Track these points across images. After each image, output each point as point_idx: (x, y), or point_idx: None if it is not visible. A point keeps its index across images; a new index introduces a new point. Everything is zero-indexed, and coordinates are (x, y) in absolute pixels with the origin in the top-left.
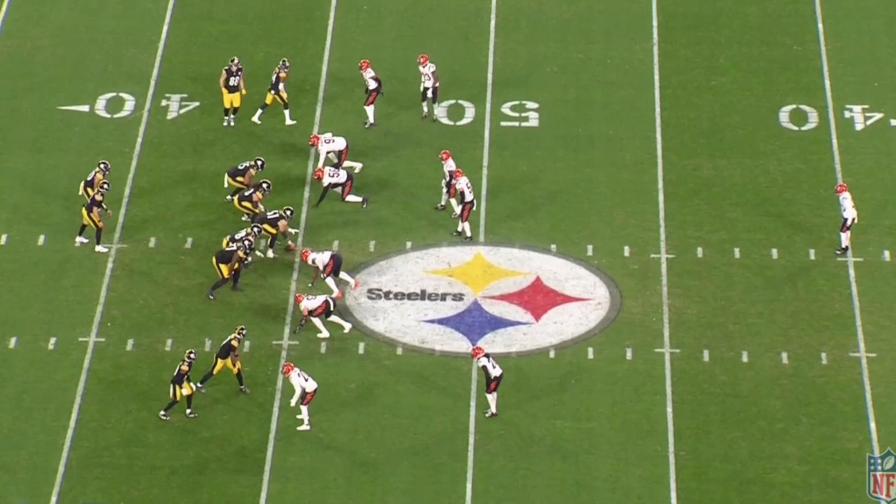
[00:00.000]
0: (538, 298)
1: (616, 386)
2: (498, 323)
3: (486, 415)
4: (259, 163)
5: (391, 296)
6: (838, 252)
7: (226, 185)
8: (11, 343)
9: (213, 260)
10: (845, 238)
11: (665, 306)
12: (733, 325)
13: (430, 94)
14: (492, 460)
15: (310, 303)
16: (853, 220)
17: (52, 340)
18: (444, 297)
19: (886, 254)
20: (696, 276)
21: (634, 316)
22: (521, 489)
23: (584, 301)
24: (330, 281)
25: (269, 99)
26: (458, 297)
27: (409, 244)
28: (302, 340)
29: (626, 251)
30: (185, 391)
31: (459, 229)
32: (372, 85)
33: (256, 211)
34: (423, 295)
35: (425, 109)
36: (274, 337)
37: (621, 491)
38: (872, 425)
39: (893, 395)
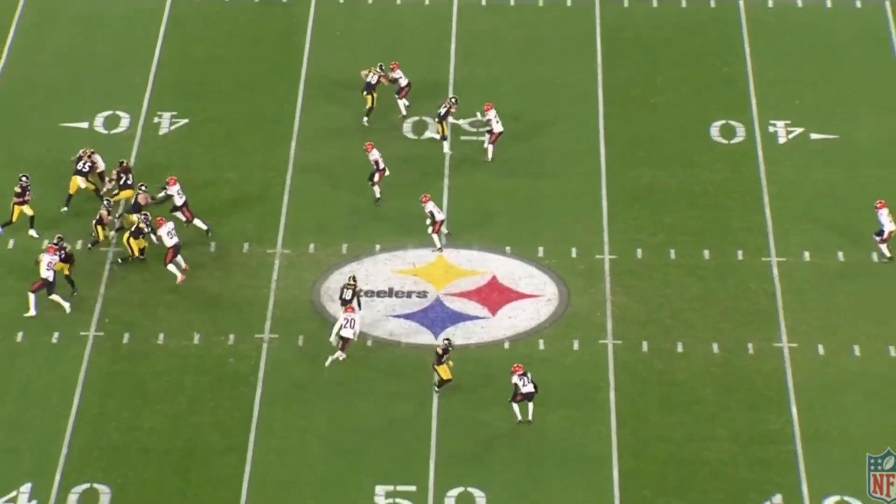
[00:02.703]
0: (494, 295)
1: (564, 374)
2: (458, 317)
3: (516, 421)
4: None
5: (362, 293)
6: (885, 260)
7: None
8: (18, 337)
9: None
10: (885, 248)
11: (608, 302)
12: (670, 319)
13: (404, 92)
14: (453, 441)
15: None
16: (890, 233)
17: (56, 335)
18: (409, 294)
19: (806, 254)
20: (636, 275)
21: (581, 311)
22: (478, 465)
23: (536, 297)
24: (171, 267)
25: (441, 129)
26: (423, 294)
27: (377, 247)
28: (281, 334)
29: (574, 252)
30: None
31: (438, 245)
32: (404, 82)
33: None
34: (390, 292)
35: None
36: (256, 331)
37: (569, 467)
38: (793, 409)
39: (812, 381)
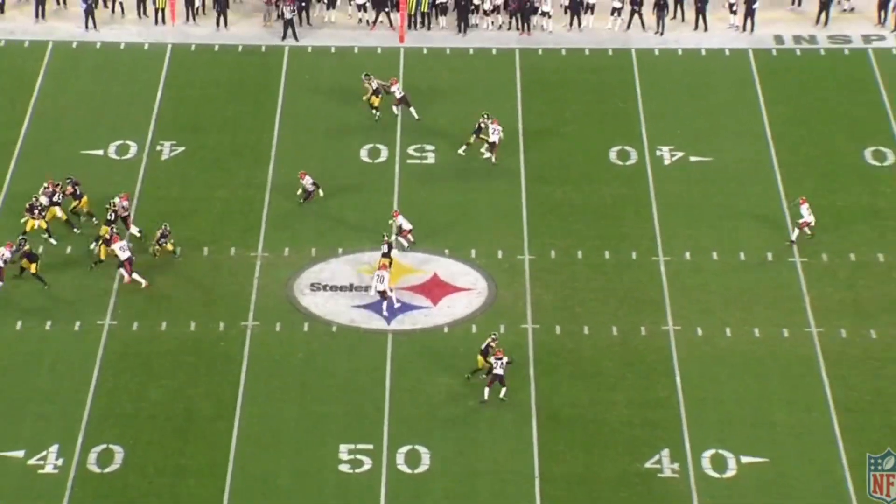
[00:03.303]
0: (435, 289)
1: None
2: (406, 308)
3: (480, 401)
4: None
5: (328, 288)
6: (787, 243)
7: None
8: (47, 325)
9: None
10: (795, 233)
11: (528, 294)
12: (578, 307)
13: (406, 99)
14: (403, 408)
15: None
16: (807, 222)
17: (77, 324)
18: (367, 288)
19: (687, 254)
20: (550, 271)
21: (506, 301)
22: (424, 427)
23: (469, 291)
24: (136, 276)
25: (472, 139)
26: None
27: (340, 250)
28: (262, 322)
29: (500, 254)
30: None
31: (406, 245)
32: (400, 94)
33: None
34: (351, 287)
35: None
36: (241, 319)
37: (497, 428)
38: (678, 379)
39: (692, 357)
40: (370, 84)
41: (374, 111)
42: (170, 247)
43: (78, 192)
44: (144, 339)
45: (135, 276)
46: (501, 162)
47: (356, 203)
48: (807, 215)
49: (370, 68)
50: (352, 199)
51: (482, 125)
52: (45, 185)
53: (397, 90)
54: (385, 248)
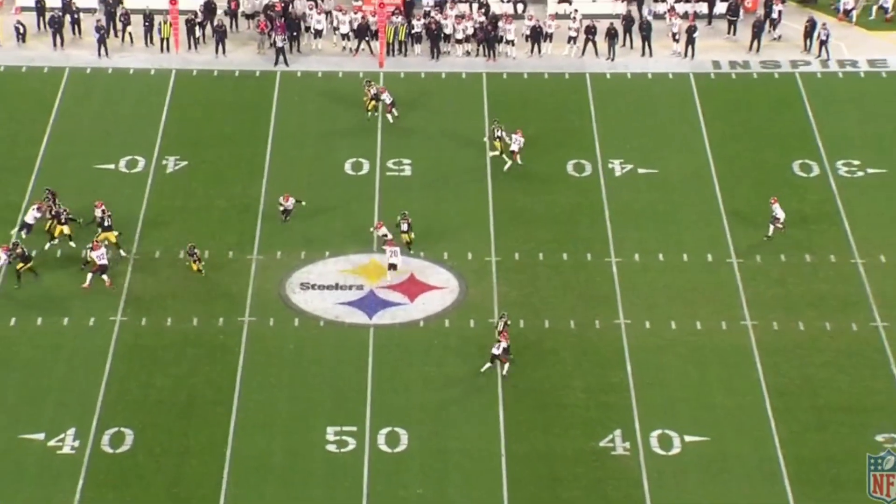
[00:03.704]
0: (412, 287)
1: (463, 344)
2: (386, 304)
3: (482, 369)
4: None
5: (316, 287)
6: (765, 238)
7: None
8: (65, 321)
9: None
10: (772, 230)
11: (495, 292)
12: (539, 303)
13: (390, 106)
14: (383, 394)
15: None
16: (778, 218)
17: (92, 319)
18: (350, 287)
19: (636, 256)
20: (514, 271)
21: (475, 298)
22: (402, 410)
23: (442, 289)
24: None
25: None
26: (360, 287)
27: (327, 253)
28: (257, 317)
29: (469, 256)
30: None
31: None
32: (389, 100)
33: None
34: (336, 286)
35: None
36: (238, 315)
37: (467, 410)
38: (629, 367)
39: (641, 347)
40: (370, 90)
41: (367, 112)
42: (195, 266)
43: (57, 206)
44: (151, 332)
45: (104, 276)
46: (469, 175)
47: (341, 211)
48: (779, 213)
49: (353, 91)
50: (337, 207)
51: (497, 134)
52: (36, 204)
53: (387, 96)
54: (405, 226)
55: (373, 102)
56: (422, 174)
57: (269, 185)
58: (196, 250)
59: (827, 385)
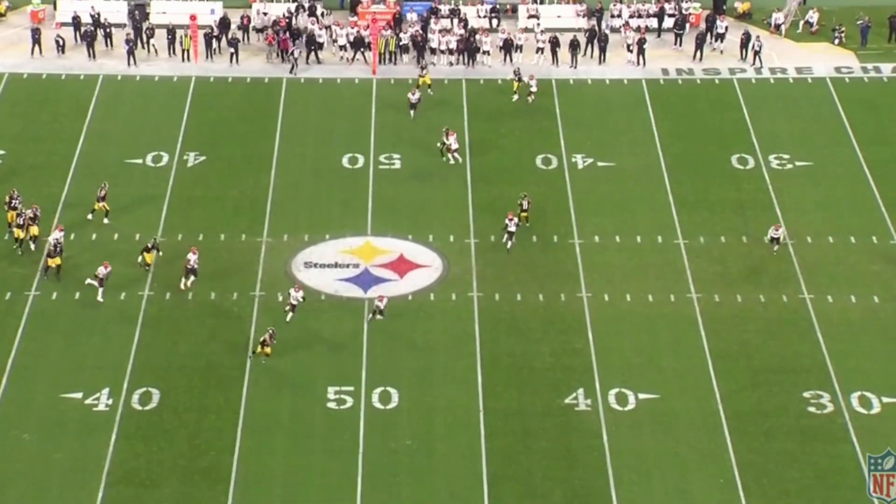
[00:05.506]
0: (402, 266)
1: (446, 316)
2: (379, 280)
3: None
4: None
5: (317, 265)
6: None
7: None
8: (99, 295)
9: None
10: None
11: (474, 269)
12: (512, 279)
13: (454, 150)
14: (377, 358)
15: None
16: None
17: (123, 294)
18: (347, 265)
19: (596, 238)
20: (490, 252)
21: (456, 275)
22: (393, 373)
23: (428, 267)
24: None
25: (441, 146)
26: (356, 265)
27: (327, 236)
28: (266, 292)
29: (451, 238)
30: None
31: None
32: (455, 146)
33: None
34: (335, 265)
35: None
36: (250, 290)
37: (448, 374)
38: (590, 334)
39: (601, 317)
40: (447, 138)
41: (442, 157)
42: (149, 258)
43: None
44: (175, 305)
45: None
46: (453, 167)
47: (339, 200)
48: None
49: (349, 96)
50: (336, 196)
51: (446, 136)
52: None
53: (453, 141)
54: (525, 205)
55: (447, 148)
56: (410, 167)
57: (276, 177)
58: (157, 244)
59: (761, 349)
